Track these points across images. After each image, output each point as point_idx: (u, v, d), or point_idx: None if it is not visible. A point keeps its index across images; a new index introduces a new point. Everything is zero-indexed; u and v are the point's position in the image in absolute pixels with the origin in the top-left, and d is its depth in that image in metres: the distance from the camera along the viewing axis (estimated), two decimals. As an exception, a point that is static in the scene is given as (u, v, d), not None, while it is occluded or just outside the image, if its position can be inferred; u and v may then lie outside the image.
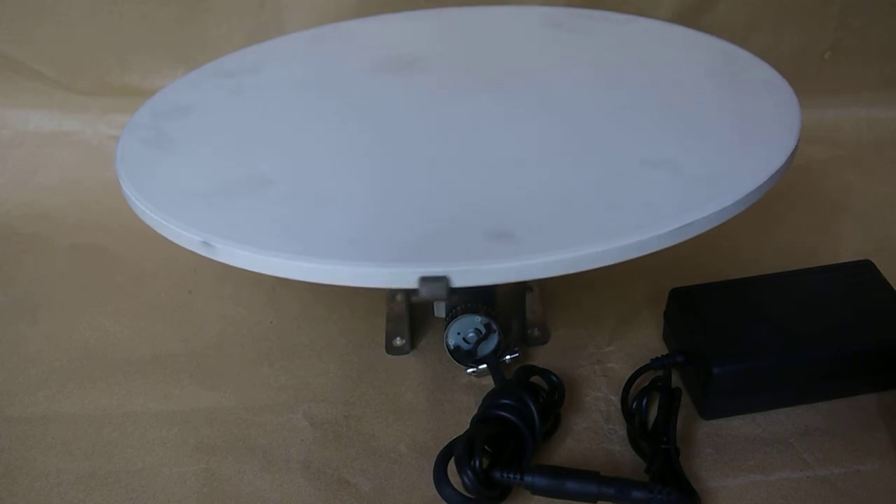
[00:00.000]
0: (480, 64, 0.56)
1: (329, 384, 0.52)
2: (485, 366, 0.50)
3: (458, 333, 0.50)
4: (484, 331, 0.50)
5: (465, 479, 0.40)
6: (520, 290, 0.54)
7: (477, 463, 0.40)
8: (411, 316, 0.55)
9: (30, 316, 0.59)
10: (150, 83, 0.75)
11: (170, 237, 0.41)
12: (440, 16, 0.65)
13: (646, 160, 0.43)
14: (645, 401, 0.47)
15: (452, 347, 0.50)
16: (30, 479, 0.46)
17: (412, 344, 0.54)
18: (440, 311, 0.52)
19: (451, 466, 0.42)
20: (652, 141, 0.45)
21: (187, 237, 0.39)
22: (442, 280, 0.35)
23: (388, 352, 0.54)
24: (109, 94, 0.77)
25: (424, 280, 0.35)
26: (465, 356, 0.50)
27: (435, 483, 0.42)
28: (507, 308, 0.55)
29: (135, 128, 0.50)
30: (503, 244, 0.37)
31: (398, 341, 0.54)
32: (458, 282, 0.35)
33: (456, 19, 0.64)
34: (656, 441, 0.44)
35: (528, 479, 0.41)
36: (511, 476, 0.41)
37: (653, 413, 0.47)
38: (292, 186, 0.43)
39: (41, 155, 0.77)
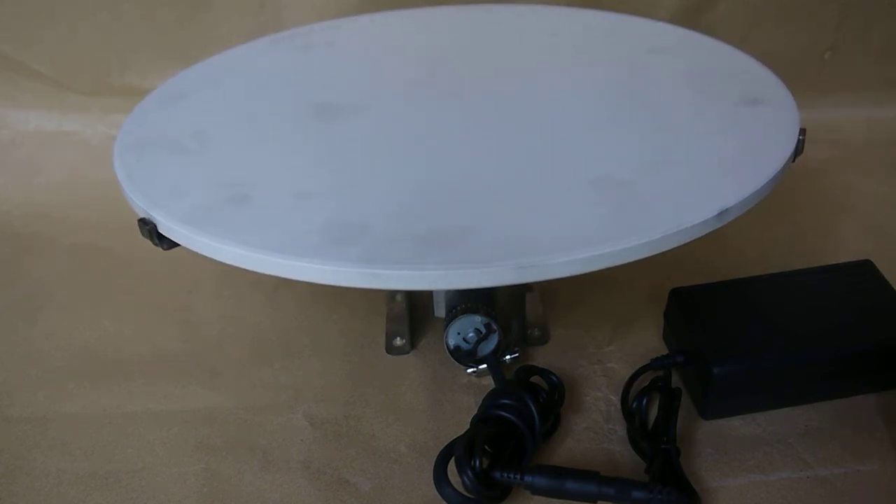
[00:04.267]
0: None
1: (329, 384, 0.52)
2: (485, 366, 0.50)
3: (458, 333, 0.50)
4: (484, 331, 0.50)
5: (465, 479, 0.40)
6: (520, 290, 0.54)
7: (477, 463, 0.40)
8: (411, 316, 0.55)
9: (30, 316, 0.59)
10: (150, 83, 0.75)
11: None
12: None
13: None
14: (645, 401, 0.47)
15: (452, 347, 0.50)
16: (30, 479, 0.46)
17: (412, 344, 0.54)
18: (440, 311, 0.52)
19: (451, 466, 0.42)
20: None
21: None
22: None
23: (388, 352, 0.54)
24: (109, 94, 0.78)
25: None
26: (465, 356, 0.50)
27: (435, 483, 0.42)
28: (507, 308, 0.55)
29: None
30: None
31: (398, 341, 0.54)
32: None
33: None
34: (656, 441, 0.44)
35: (528, 479, 0.41)
36: (511, 476, 0.41)
37: (653, 413, 0.47)
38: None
39: (41, 155, 0.77)
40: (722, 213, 0.38)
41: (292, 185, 0.43)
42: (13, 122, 0.78)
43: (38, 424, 0.50)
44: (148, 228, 0.41)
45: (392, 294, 0.57)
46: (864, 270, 0.51)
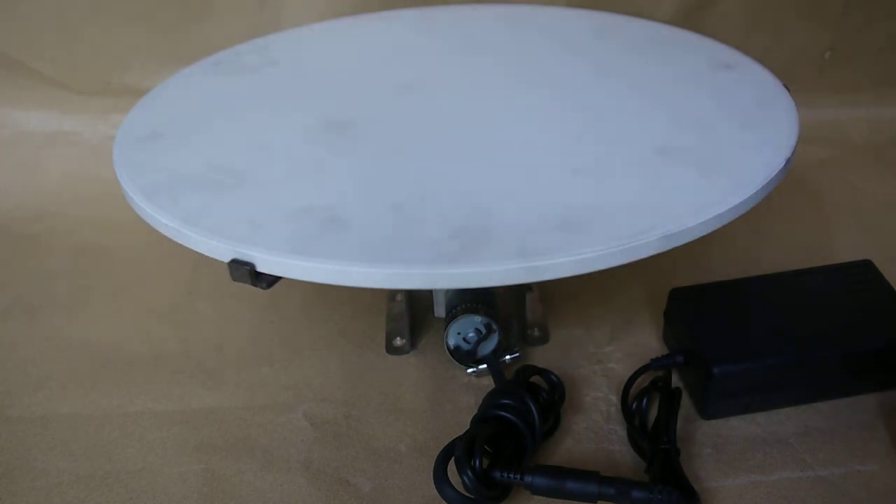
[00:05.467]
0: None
1: (329, 384, 0.52)
2: (485, 366, 0.50)
3: (458, 333, 0.50)
4: (484, 331, 0.50)
5: (465, 479, 0.40)
6: (520, 290, 0.54)
7: (477, 463, 0.40)
8: (411, 316, 0.55)
9: (30, 316, 0.59)
10: (150, 83, 0.75)
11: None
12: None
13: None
14: (645, 401, 0.47)
15: (452, 347, 0.50)
16: (30, 479, 0.46)
17: (412, 344, 0.54)
18: (440, 311, 0.52)
19: (451, 466, 0.42)
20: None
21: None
22: None
23: (388, 352, 0.54)
24: (109, 94, 0.78)
25: None
26: (465, 356, 0.50)
27: (435, 483, 0.42)
28: (507, 308, 0.55)
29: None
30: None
31: (398, 341, 0.54)
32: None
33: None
34: (656, 441, 0.44)
35: (528, 479, 0.41)
36: (511, 476, 0.41)
37: (653, 413, 0.47)
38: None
39: (41, 155, 0.77)
40: (788, 162, 0.43)
41: (375, 199, 0.41)
42: (13, 122, 0.78)
43: (38, 424, 0.50)
44: (247, 269, 0.38)
45: (392, 294, 0.57)
46: (864, 270, 0.51)
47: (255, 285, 0.38)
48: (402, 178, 0.43)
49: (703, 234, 0.39)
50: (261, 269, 0.38)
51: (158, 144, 0.48)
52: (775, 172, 0.42)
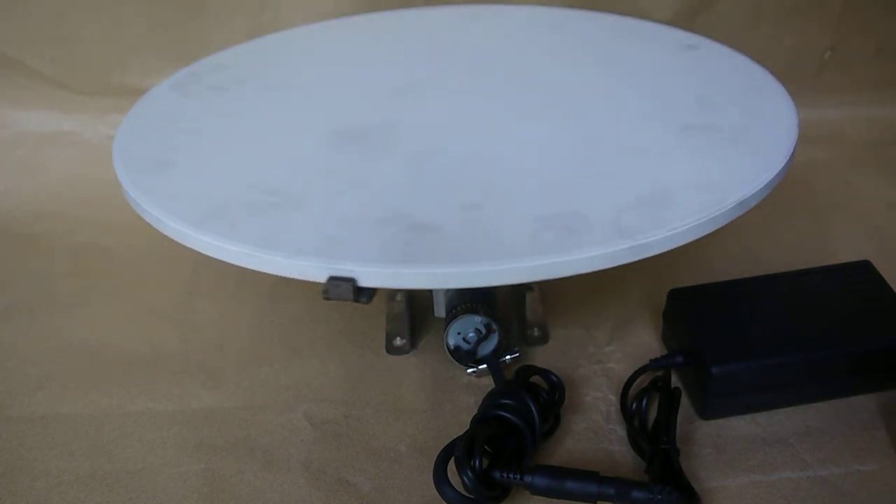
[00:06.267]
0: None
1: (329, 384, 0.52)
2: (485, 366, 0.50)
3: (458, 333, 0.50)
4: (484, 331, 0.50)
5: (465, 479, 0.40)
6: (520, 290, 0.54)
7: (477, 463, 0.40)
8: (411, 316, 0.55)
9: (30, 316, 0.59)
10: (150, 83, 0.75)
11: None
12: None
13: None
14: (645, 401, 0.47)
15: (452, 347, 0.50)
16: (30, 479, 0.46)
17: (412, 344, 0.54)
18: (440, 311, 0.52)
19: (451, 466, 0.42)
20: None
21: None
22: None
23: (388, 352, 0.54)
24: (109, 94, 0.78)
25: None
26: (465, 356, 0.50)
27: (435, 483, 0.42)
28: (507, 308, 0.55)
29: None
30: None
31: (398, 341, 0.54)
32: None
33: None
34: (656, 441, 0.44)
35: (528, 479, 0.41)
36: (511, 476, 0.41)
37: (652, 413, 0.47)
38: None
39: (41, 155, 0.77)
40: (799, 129, 0.45)
41: (444, 201, 0.40)
42: (13, 122, 0.78)
43: (38, 424, 0.50)
44: (350, 285, 0.36)
45: (392, 293, 0.57)
46: (863, 270, 0.51)
47: (356, 301, 0.36)
48: (459, 178, 0.43)
49: (763, 197, 0.41)
50: (363, 283, 0.36)
51: (176, 172, 0.45)
52: (794, 143, 0.44)
